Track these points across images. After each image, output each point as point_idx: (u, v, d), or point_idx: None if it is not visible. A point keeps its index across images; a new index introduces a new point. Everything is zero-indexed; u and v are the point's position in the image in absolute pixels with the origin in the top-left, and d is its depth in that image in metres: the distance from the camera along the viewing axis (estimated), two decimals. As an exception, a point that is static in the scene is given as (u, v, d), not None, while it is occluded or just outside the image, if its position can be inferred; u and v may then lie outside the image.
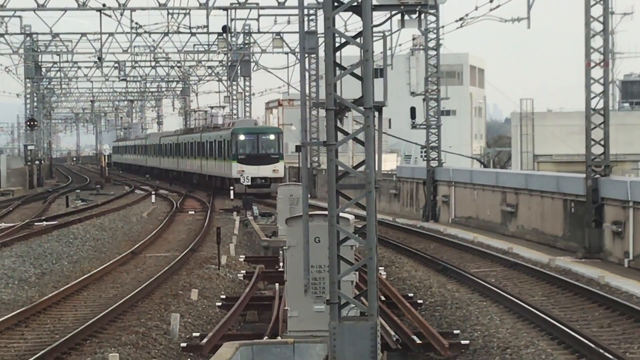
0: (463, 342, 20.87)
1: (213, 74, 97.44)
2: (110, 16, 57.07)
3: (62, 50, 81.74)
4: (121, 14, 56.62)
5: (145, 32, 67.39)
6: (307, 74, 25.83)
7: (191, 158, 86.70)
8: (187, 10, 57.83)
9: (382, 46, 20.94)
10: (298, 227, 19.01)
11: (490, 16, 43.06)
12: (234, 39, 72.18)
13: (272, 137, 70.46)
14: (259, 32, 70.53)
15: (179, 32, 66.15)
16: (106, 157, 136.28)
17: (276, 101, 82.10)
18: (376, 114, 16.55)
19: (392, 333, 20.95)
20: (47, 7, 51.48)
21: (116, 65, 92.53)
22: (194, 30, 65.38)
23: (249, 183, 66.69)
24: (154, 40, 74.04)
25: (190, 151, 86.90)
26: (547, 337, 21.24)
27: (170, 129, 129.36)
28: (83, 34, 73.12)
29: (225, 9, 55.94)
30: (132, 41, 73.38)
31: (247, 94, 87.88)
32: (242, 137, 65.79)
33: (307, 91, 23.94)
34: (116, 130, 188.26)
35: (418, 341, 20.68)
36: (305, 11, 58.24)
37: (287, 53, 72.00)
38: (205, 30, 64.43)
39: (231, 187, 68.59)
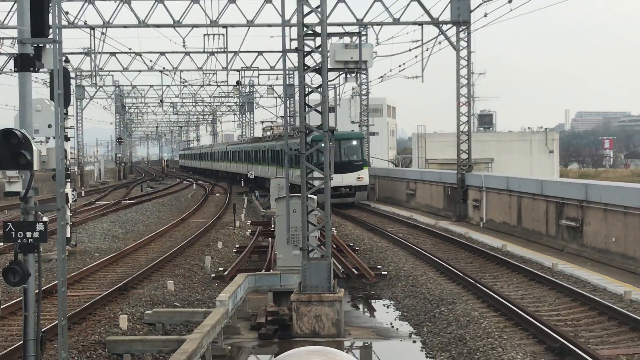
0: (383, 272, 21.05)
1: (230, 110, 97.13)
2: (167, 74, 56.84)
3: (138, 95, 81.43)
4: (174, 74, 56.38)
5: (189, 84, 67.16)
6: (287, 110, 25.78)
7: (263, 164, 59.31)
8: (215, 71, 57.62)
9: (334, 93, 21.33)
10: (283, 204, 19.09)
11: (399, 75, 43.28)
12: (243, 88, 72.11)
13: (354, 142, 43.03)
14: (259, 84, 70.32)
15: (210, 85, 65.92)
16: (165, 161, 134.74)
17: (269, 126, 79.31)
18: (330, 134, 16.65)
19: (340, 268, 21.09)
20: (129, 69, 51.22)
21: (171, 105, 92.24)
22: (219, 84, 65.20)
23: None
24: (194, 90, 74.08)
25: (263, 158, 59.94)
26: (434, 269, 21.40)
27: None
28: (151, 86, 72.89)
29: (238, 70, 55.62)
30: (181, 90, 73.26)
31: (251, 122, 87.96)
32: (322, 145, 41.24)
33: (288, 120, 24.13)
34: (171, 144, 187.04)
35: (356, 272, 20.80)
36: (287, 71, 58.46)
37: (276, 97, 71.95)
38: (225, 83, 64.26)
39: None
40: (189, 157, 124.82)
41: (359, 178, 41.36)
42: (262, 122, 70.85)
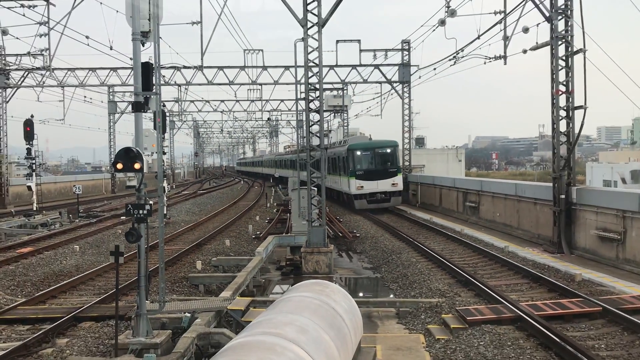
0: (357, 235, 20.96)
1: (264, 135, 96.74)
2: (225, 113, 56.60)
3: (207, 127, 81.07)
4: (230, 113, 56.22)
5: (239, 120, 66.96)
6: (299, 136, 25.83)
7: (285, 169, 47.64)
8: (254, 112, 57.24)
9: (327, 125, 21.32)
10: (296, 192, 19.07)
11: (367, 114, 43.46)
12: (271, 122, 71.84)
13: (388, 150, 28.67)
14: (281, 119, 70.12)
15: (251, 120, 65.68)
16: (224, 167, 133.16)
17: (289, 146, 76.19)
18: (324, 150, 16.63)
19: (331, 231, 21.03)
20: (202, 111, 51.19)
21: (228, 132, 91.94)
22: (257, 119, 64.96)
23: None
24: (242, 123, 73.67)
25: (284, 165, 48.18)
26: (388, 232, 21.22)
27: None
28: (215, 121, 72.53)
29: (268, 111, 55.29)
30: (233, 123, 72.84)
31: (277, 144, 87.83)
32: (358, 153, 28.12)
33: (299, 142, 24.01)
34: (227, 156, 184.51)
35: (340, 234, 20.76)
36: (298, 112, 58.17)
37: (292, 127, 71.69)
38: (261, 119, 64.07)
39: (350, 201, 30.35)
40: (243, 164, 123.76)
41: (393, 184, 28.41)
42: (283, 144, 69.62)
